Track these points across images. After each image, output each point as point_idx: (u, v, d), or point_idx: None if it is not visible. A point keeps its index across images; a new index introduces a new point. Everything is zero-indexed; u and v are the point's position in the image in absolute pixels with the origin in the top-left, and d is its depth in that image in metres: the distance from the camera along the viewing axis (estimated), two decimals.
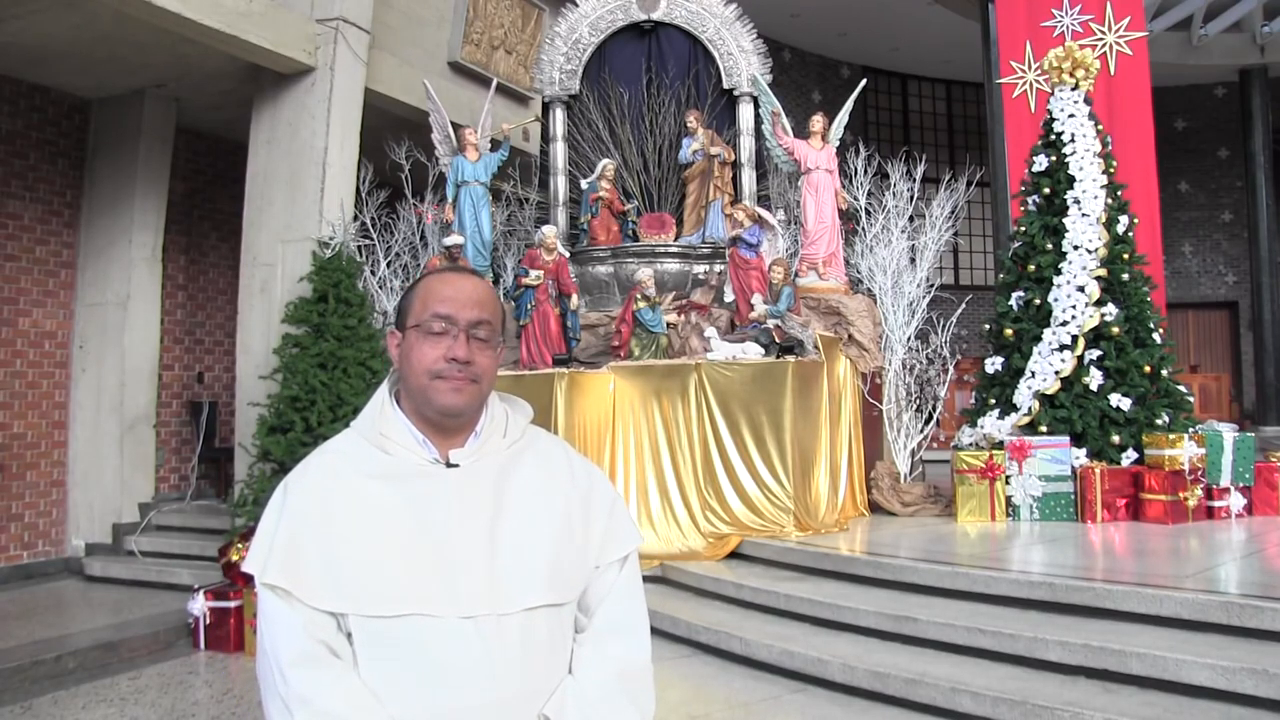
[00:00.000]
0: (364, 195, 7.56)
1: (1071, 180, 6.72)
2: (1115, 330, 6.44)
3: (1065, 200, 6.72)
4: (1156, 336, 6.62)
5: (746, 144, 8.03)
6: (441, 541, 1.45)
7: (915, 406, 7.51)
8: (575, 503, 1.58)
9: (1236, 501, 6.14)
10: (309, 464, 1.55)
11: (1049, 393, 6.43)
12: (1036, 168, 6.97)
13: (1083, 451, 6.31)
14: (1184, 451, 5.98)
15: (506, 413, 1.61)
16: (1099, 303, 6.47)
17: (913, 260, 7.66)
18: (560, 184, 8.16)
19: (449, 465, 1.52)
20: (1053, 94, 7.06)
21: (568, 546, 1.53)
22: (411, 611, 1.41)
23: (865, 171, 8.13)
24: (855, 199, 8.01)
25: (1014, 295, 6.90)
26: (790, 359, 6.41)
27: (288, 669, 1.41)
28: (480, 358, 1.51)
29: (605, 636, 1.56)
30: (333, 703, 1.39)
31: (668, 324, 6.93)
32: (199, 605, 5.71)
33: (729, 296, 7.24)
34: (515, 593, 1.46)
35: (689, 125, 7.84)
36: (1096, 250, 6.52)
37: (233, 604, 5.68)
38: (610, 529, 1.60)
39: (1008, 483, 6.32)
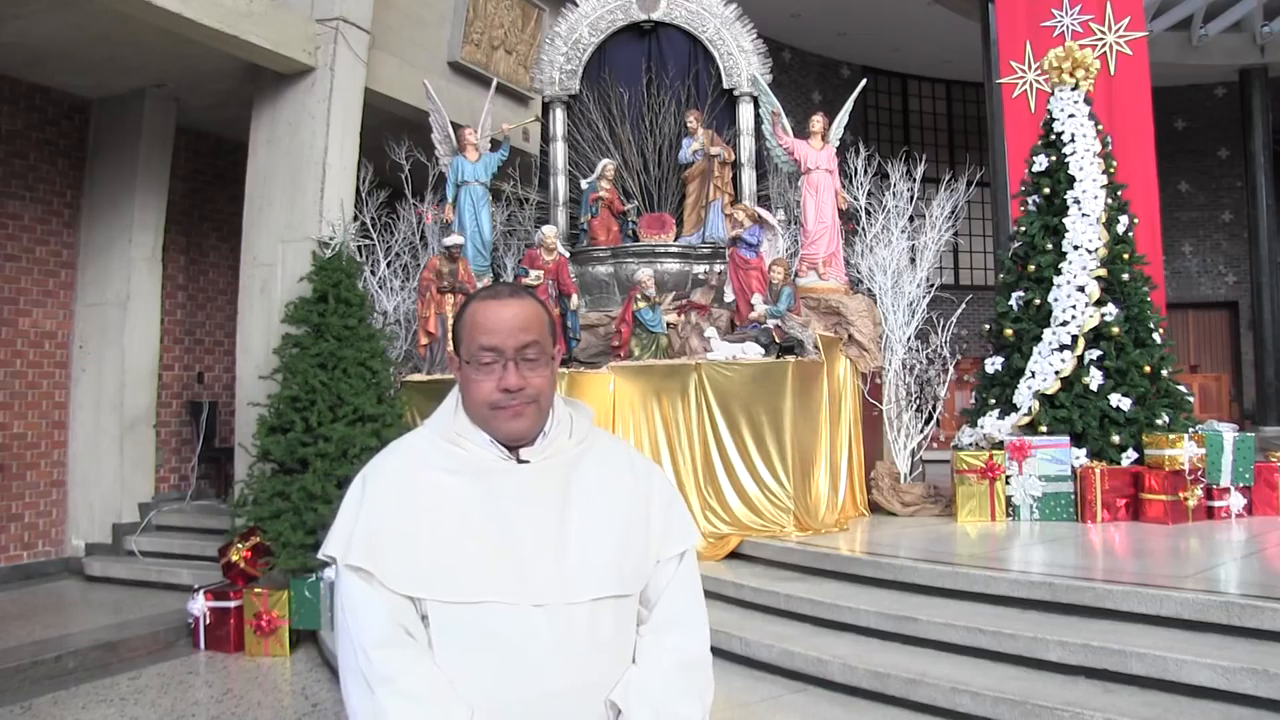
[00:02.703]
0: (364, 195, 7.56)
1: (1071, 180, 6.72)
2: (1115, 330, 6.44)
3: (1065, 200, 6.72)
4: (1156, 336, 6.62)
5: (746, 144, 8.03)
6: (513, 533, 1.52)
7: (915, 406, 7.51)
8: (637, 500, 1.63)
9: (1236, 501, 6.13)
10: (388, 457, 1.63)
11: (1049, 393, 6.43)
12: (1036, 168, 6.96)
13: (1083, 451, 6.31)
14: (1184, 451, 5.97)
15: (570, 415, 1.67)
16: (1099, 303, 6.46)
17: (913, 260, 7.66)
18: (560, 184, 8.15)
19: (520, 462, 1.58)
20: (1053, 94, 7.05)
21: (630, 541, 1.59)
22: (487, 599, 1.47)
23: (865, 171, 8.12)
24: (855, 199, 8.00)
25: (1014, 295, 6.90)
26: (790, 359, 6.41)
27: (371, 650, 1.47)
28: (534, 378, 1.56)
29: (666, 629, 1.61)
30: (415, 683, 1.45)
31: (668, 324, 6.93)
32: (199, 605, 5.72)
33: (729, 296, 7.23)
34: (583, 584, 1.52)
35: (689, 125, 7.83)
36: (1096, 250, 6.51)
37: (233, 604, 5.68)
38: (669, 525, 1.65)
39: (1008, 483, 6.31)
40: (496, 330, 1.54)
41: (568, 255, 7.36)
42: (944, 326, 7.59)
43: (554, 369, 1.62)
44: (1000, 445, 6.41)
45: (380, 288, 7.58)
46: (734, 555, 6.01)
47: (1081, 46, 7.14)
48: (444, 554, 1.49)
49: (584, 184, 7.95)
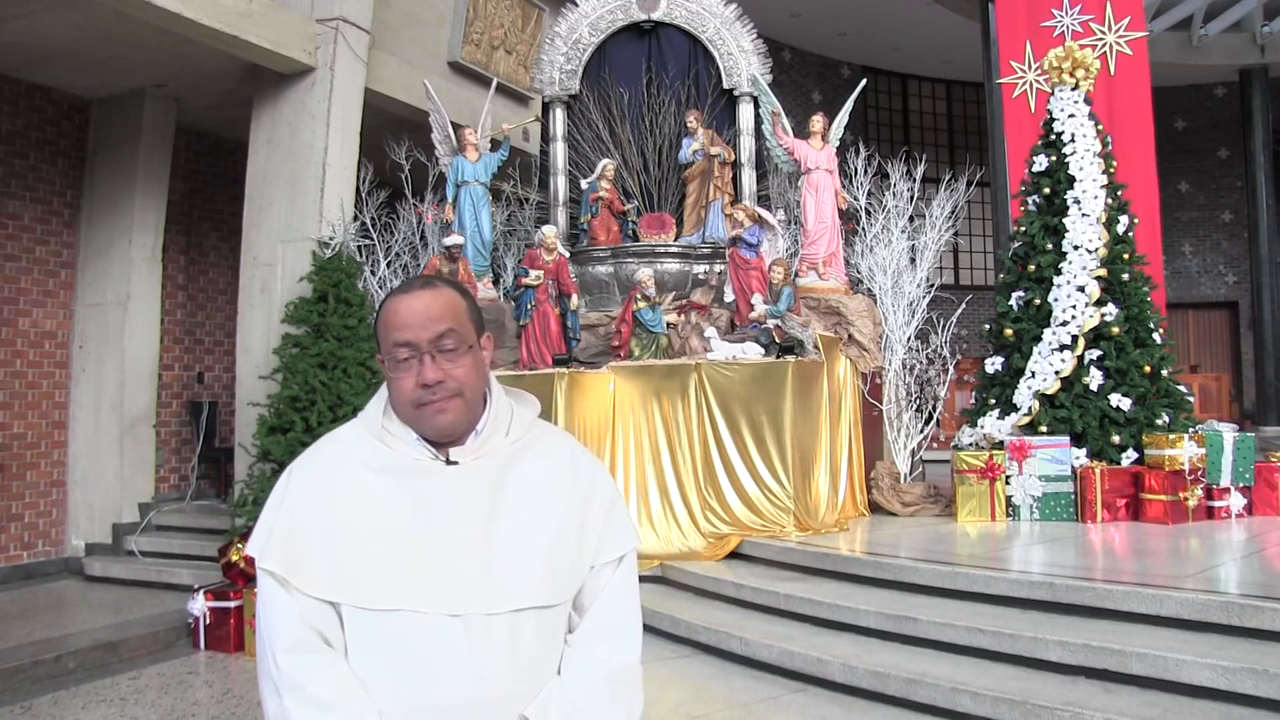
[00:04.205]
0: (364, 195, 7.56)
1: (1071, 180, 6.72)
2: (1115, 330, 6.44)
3: (1065, 200, 6.72)
4: (1156, 336, 6.62)
5: (746, 144, 8.03)
6: (436, 538, 1.45)
7: (915, 406, 7.51)
8: (575, 502, 1.55)
9: (1236, 501, 6.13)
10: (316, 452, 1.57)
11: (1049, 393, 6.43)
12: (1036, 168, 6.97)
13: (1083, 451, 6.31)
14: (1184, 451, 5.97)
15: (511, 409, 1.59)
16: (1099, 303, 6.46)
17: (913, 260, 7.67)
18: (560, 184, 8.16)
19: (449, 462, 1.51)
20: (1053, 94, 7.05)
21: (563, 547, 1.52)
22: (400, 607, 1.42)
23: (865, 171, 8.13)
24: (855, 199, 8.01)
25: (1014, 295, 6.90)
26: (790, 359, 6.41)
27: (280, 654, 1.43)
28: (455, 370, 1.49)
29: (595, 638, 1.55)
30: (322, 690, 1.41)
31: (668, 324, 6.93)
32: (199, 605, 5.71)
33: (729, 296, 7.24)
34: (506, 593, 1.45)
35: (689, 125, 7.84)
36: (1096, 250, 6.51)
37: (233, 604, 5.68)
38: (608, 529, 1.58)
39: (1008, 483, 6.31)
40: (409, 324, 1.47)
41: (568, 255, 7.36)
42: (944, 326, 7.59)
43: (480, 358, 1.53)
44: (1000, 445, 6.41)
45: (380, 288, 7.57)
46: (734, 555, 6.02)
47: (1081, 46, 7.14)
48: (361, 558, 1.44)
49: (584, 184, 7.96)
